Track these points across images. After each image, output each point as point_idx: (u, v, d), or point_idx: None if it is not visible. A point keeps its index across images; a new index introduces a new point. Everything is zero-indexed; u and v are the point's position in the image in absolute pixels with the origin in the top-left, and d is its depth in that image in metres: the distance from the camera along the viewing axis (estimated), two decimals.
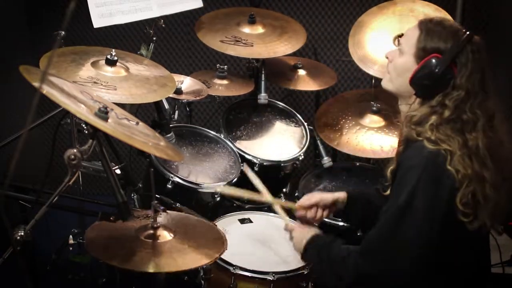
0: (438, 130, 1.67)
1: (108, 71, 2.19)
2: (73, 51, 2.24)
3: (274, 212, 2.25)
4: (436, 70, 1.68)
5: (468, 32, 1.70)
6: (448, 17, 2.75)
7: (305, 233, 1.98)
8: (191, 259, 1.78)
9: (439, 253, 1.68)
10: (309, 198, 2.14)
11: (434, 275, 1.72)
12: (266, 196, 2.19)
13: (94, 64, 2.20)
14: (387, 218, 1.70)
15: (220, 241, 1.91)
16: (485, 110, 1.69)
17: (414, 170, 1.65)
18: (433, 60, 1.69)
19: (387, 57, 1.88)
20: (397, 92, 1.83)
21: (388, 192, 1.86)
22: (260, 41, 2.88)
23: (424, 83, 1.72)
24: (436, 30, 1.72)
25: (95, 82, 2.09)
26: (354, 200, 2.12)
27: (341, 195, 2.13)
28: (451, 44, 1.68)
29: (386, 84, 1.87)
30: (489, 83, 1.72)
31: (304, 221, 2.13)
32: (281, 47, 2.87)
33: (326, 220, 2.57)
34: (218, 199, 2.53)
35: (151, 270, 1.69)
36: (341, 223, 2.55)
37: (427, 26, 1.74)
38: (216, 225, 2.08)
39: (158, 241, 1.84)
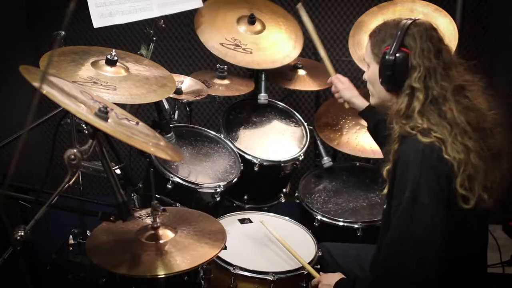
0: (428, 118, 1.70)
1: (108, 71, 2.19)
2: (73, 51, 2.24)
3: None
4: (391, 58, 1.76)
5: (410, 18, 1.79)
6: (448, 17, 2.76)
7: (331, 279, 1.96)
8: (197, 256, 1.78)
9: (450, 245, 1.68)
10: (338, 82, 2.60)
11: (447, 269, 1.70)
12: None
13: (94, 64, 2.20)
14: (396, 222, 1.68)
15: (220, 232, 1.93)
16: (450, 81, 1.74)
17: (412, 166, 1.66)
18: (386, 52, 1.78)
19: (364, 79, 1.98)
20: (381, 100, 1.89)
21: (385, 191, 1.86)
22: (258, 47, 2.89)
23: (387, 75, 1.79)
24: (381, 31, 1.84)
25: (95, 82, 2.09)
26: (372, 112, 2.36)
27: (360, 102, 2.48)
28: (395, 32, 1.77)
29: (372, 101, 1.96)
30: (446, 56, 1.77)
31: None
32: (278, 55, 2.91)
33: (326, 220, 2.58)
34: (218, 199, 2.53)
35: (160, 274, 1.69)
36: (341, 223, 2.55)
37: (374, 33, 1.87)
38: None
39: (161, 241, 1.84)
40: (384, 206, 1.86)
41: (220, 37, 2.88)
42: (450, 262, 1.71)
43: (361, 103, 2.46)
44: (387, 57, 1.77)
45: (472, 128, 1.70)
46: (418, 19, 1.80)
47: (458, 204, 1.65)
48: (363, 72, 2.78)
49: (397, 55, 1.75)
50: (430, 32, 1.77)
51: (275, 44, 2.97)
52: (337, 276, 1.97)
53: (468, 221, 1.69)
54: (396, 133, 1.78)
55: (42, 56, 2.02)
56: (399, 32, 1.76)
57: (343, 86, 2.56)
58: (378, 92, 1.88)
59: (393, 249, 1.69)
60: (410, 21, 1.78)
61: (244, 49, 2.87)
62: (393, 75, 1.77)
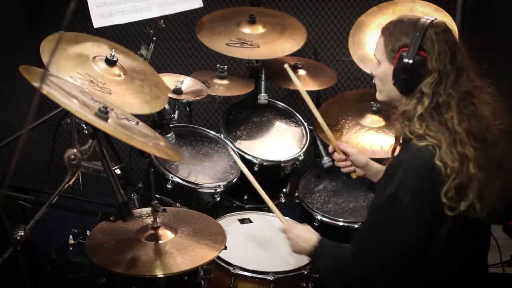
0: (427, 124, 1.69)
1: (105, 71, 2.17)
2: (74, 38, 2.23)
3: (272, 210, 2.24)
4: (408, 61, 1.71)
5: (426, 18, 1.74)
6: (448, 17, 2.76)
7: (308, 237, 1.98)
8: (196, 257, 1.78)
9: (430, 250, 1.70)
10: (347, 147, 2.20)
11: (425, 272, 1.73)
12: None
13: (93, 62, 2.19)
14: (374, 214, 1.74)
15: (219, 233, 1.92)
16: (458, 89, 1.71)
17: (401, 166, 1.68)
18: (403, 54, 1.73)
19: (371, 73, 1.92)
20: (390, 99, 1.86)
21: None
22: (264, 41, 2.89)
23: (403, 78, 1.75)
24: (396, 28, 1.77)
25: (91, 81, 2.08)
26: None
27: (378, 166, 2.16)
28: (413, 34, 1.72)
29: (378, 96, 1.91)
30: (461, 60, 1.73)
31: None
32: (286, 45, 2.89)
33: (326, 220, 2.57)
34: (218, 199, 2.53)
35: (158, 274, 1.69)
36: (341, 223, 2.55)
37: (388, 29, 1.80)
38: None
39: (160, 242, 1.84)
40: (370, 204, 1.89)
41: (224, 39, 2.88)
42: (445, 266, 1.72)
43: (379, 167, 2.17)
44: (404, 60, 1.72)
45: (474, 138, 1.68)
46: (435, 19, 1.75)
47: (444, 210, 1.65)
48: (363, 72, 2.81)
49: (415, 59, 1.70)
50: (447, 34, 1.73)
51: (281, 36, 2.96)
52: (307, 232, 2.00)
53: (462, 227, 1.69)
54: (397, 133, 1.81)
55: (43, 41, 2.01)
56: (417, 34, 1.70)
57: (354, 150, 2.20)
58: (387, 90, 1.84)
59: (364, 241, 1.75)
60: (427, 22, 1.72)
61: (250, 45, 2.86)
62: (409, 79, 1.73)
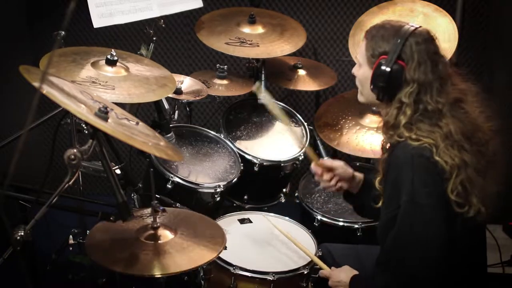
0: (418, 128, 1.69)
1: (108, 71, 2.19)
2: (73, 51, 2.24)
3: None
4: (386, 69, 1.71)
5: (410, 26, 1.73)
6: (448, 17, 2.76)
7: (341, 276, 1.95)
8: (194, 258, 1.78)
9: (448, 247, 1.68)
10: (332, 161, 2.08)
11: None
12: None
13: (94, 64, 2.20)
14: (399, 226, 1.68)
15: (219, 236, 1.92)
16: (446, 96, 1.71)
17: (404, 169, 1.66)
18: (382, 62, 1.73)
19: (353, 73, 1.91)
20: (369, 102, 1.86)
21: (380, 204, 1.85)
22: (264, 41, 2.89)
23: (380, 86, 1.75)
24: (378, 34, 1.76)
25: (93, 82, 2.08)
26: (369, 186, 2.04)
27: (360, 175, 2.10)
28: (394, 41, 1.71)
29: (359, 98, 1.91)
30: (443, 69, 1.73)
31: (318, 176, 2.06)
32: (286, 46, 2.89)
33: (326, 220, 2.57)
34: (218, 199, 2.53)
35: (156, 273, 1.69)
36: (341, 223, 2.55)
37: (370, 33, 1.79)
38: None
39: (160, 241, 1.84)
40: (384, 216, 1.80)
41: (224, 38, 2.88)
42: (449, 265, 1.71)
43: (361, 176, 2.11)
44: (382, 68, 1.72)
45: (469, 142, 1.69)
46: (418, 27, 1.74)
47: (453, 207, 1.65)
48: None
49: (393, 68, 1.71)
50: (428, 44, 1.72)
51: (280, 37, 2.96)
52: (348, 272, 1.94)
53: (466, 224, 1.68)
54: (386, 144, 1.80)
55: (43, 56, 2.02)
56: (397, 42, 1.70)
57: (340, 162, 2.08)
58: (367, 94, 1.84)
59: (397, 253, 1.70)
60: (409, 31, 1.71)
61: (250, 44, 2.87)
62: (386, 87, 1.74)
